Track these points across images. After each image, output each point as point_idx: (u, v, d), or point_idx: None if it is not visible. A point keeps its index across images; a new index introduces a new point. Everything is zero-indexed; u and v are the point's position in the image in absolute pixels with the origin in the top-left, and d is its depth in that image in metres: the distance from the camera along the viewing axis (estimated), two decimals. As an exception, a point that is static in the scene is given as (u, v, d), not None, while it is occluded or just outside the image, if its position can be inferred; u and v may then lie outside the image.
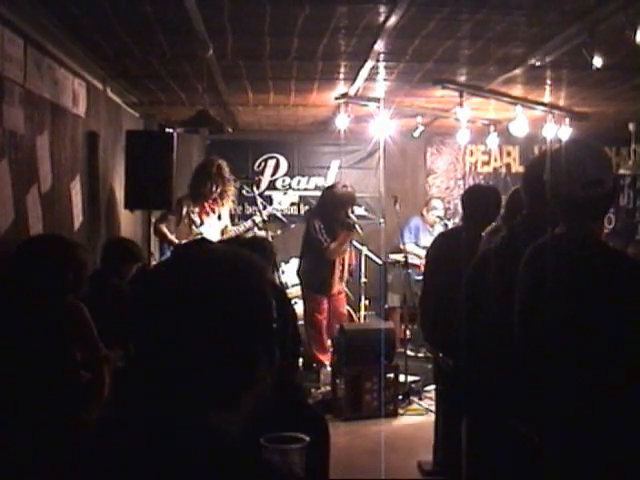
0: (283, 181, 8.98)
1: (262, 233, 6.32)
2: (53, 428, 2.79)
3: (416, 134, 7.18)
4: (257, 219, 6.36)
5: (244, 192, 7.49)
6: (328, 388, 5.99)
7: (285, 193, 6.96)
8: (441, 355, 4.24)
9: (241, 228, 6.28)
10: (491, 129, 7.34)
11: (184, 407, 1.11)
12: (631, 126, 7.54)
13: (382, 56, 4.69)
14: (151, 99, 6.47)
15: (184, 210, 5.91)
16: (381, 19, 3.85)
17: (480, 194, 4.42)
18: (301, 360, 5.52)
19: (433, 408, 5.04)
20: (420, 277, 6.60)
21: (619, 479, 2.15)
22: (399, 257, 7.34)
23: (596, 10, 3.64)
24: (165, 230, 5.90)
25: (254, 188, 6.98)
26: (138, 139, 5.53)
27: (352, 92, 5.94)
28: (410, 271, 6.87)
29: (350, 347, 5.64)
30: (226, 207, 6.17)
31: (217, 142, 8.51)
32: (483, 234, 3.92)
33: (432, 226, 7.84)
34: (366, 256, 7.31)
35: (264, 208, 6.53)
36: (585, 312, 2.16)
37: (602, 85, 5.60)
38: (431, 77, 5.39)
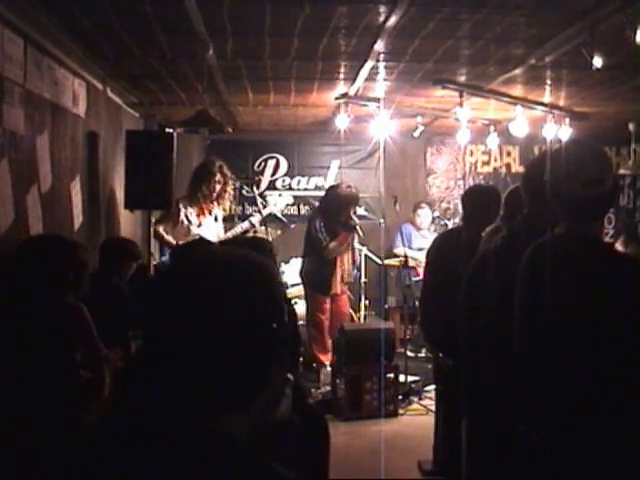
0: (283, 181, 8.98)
1: (262, 233, 6.32)
2: (53, 428, 2.79)
3: (416, 134, 7.18)
4: (254, 220, 6.36)
5: (244, 192, 7.48)
6: (328, 388, 5.99)
7: (280, 195, 6.94)
8: (441, 355, 4.24)
9: (238, 230, 6.26)
10: (491, 129, 7.34)
11: (196, 409, 1.10)
12: (631, 126, 7.54)
13: (382, 56, 4.69)
14: (151, 99, 6.47)
15: (181, 211, 5.91)
16: (381, 19, 3.85)
17: (480, 194, 4.42)
18: (301, 360, 5.52)
19: (433, 408, 5.04)
20: (415, 279, 6.66)
21: (619, 479, 2.15)
22: (394, 261, 7.38)
23: (596, 10, 3.64)
24: (162, 232, 5.88)
25: (254, 188, 6.98)
26: (138, 139, 5.52)
27: (352, 92, 5.94)
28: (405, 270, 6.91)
29: (350, 347, 5.64)
30: (222, 208, 6.17)
31: (217, 142, 8.51)
32: (483, 234, 3.92)
33: (420, 229, 7.89)
34: (366, 256, 7.32)
35: (264, 207, 6.53)
36: (585, 312, 2.16)
37: (602, 85, 5.60)
38: (431, 77, 5.39)
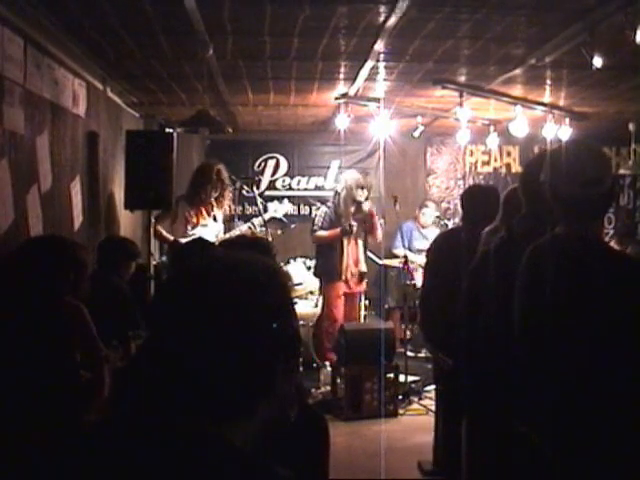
0: (283, 181, 8.98)
1: (262, 233, 6.32)
2: (53, 428, 2.79)
3: (416, 134, 7.18)
4: (256, 221, 6.35)
5: (244, 192, 7.48)
6: (328, 388, 5.99)
7: (281, 202, 6.93)
8: (441, 355, 4.24)
9: (237, 232, 6.25)
10: (491, 129, 7.34)
11: (197, 414, 1.10)
12: (631, 126, 7.54)
13: (382, 56, 4.69)
14: (151, 99, 6.47)
15: (179, 210, 5.91)
16: (381, 19, 3.85)
17: (480, 194, 4.42)
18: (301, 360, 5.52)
19: (433, 408, 5.04)
20: (412, 281, 6.66)
21: (619, 479, 2.15)
22: (394, 262, 7.38)
23: (596, 10, 3.64)
24: (162, 230, 5.90)
25: (254, 188, 6.97)
26: (138, 139, 5.52)
27: (352, 92, 5.94)
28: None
29: (350, 347, 5.64)
30: (222, 210, 6.16)
31: (217, 142, 8.51)
32: (482, 234, 3.92)
33: (425, 227, 7.89)
34: (366, 256, 7.31)
35: (265, 212, 6.53)
36: (585, 312, 2.16)
37: (602, 85, 5.60)
38: (431, 77, 5.39)
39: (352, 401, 5.61)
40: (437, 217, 7.99)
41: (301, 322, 6.25)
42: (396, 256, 7.54)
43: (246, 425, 1.14)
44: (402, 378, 5.95)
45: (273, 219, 6.74)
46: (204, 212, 5.99)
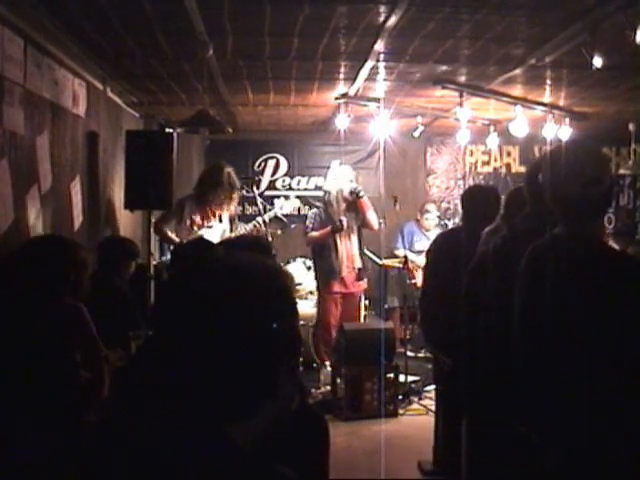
0: (283, 181, 8.98)
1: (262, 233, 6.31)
2: (53, 428, 2.79)
3: (416, 134, 7.18)
4: (260, 220, 6.33)
5: (244, 192, 7.48)
6: (328, 388, 5.99)
7: (287, 198, 6.89)
8: (441, 355, 4.25)
9: (241, 232, 6.24)
10: (491, 129, 7.35)
11: (199, 414, 1.10)
12: (631, 126, 7.55)
13: (382, 56, 4.69)
14: (151, 99, 6.47)
15: (186, 211, 5.89)
16: (381, 19, 3.85)
17: (480, 194, 4.42)
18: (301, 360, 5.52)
19: (433, 408, 5.04)
20: (412, 281, 6.65)
21: (618, 479, 2.15)
22: (394, 262, 7.38)
23: (596, 10, 3.64)
24: (166, 230, 5.89)
25: (254, 188, 6.97)
26: (138, 139, 5.51)
27: (352, 92, 5.94)
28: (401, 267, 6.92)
29: (350, 347, 5.64)
30: (228, 212, 6.14)
31: (217, 142, 8.51)
32: (482, 234, 3.92)
33: (428, 230, 7.86)
34: (366, 256, 7.31)
35: (269, 210, 6.52)
36: (585, 312, 2.16)
37: (602, 85, 5.60)
38: (431, 77, 5.39)
39: (352, 401, 5.61)
40: (438, 217, 7.98)
41: (301, 322, 6.25)
42: (397, 257, 7.53)
43: (247, 425, 1.14)
44: (402, 378, 5.94)
45: (273, 219, 6.73)
46: (210, 214, 5.96)
